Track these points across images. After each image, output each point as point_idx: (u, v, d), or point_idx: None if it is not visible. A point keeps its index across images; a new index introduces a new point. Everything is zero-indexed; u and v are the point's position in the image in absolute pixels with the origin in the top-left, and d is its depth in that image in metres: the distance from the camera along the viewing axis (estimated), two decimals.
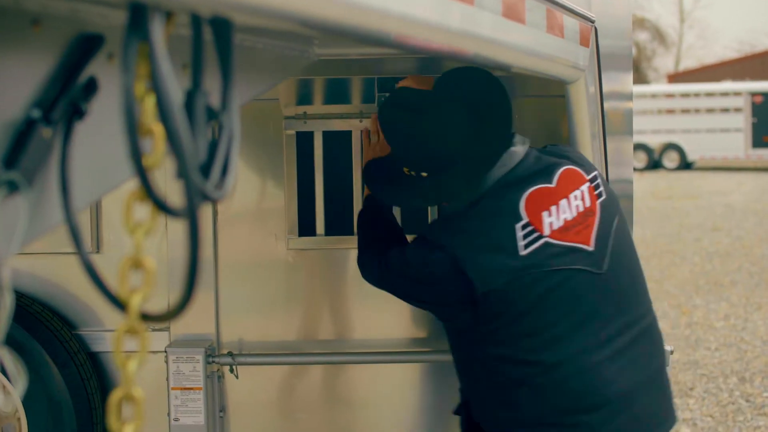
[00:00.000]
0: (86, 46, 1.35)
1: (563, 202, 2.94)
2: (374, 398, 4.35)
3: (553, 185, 2.97)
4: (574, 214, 2.95)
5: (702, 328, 10.67)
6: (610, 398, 2.89)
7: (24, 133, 1.23)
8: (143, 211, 1.25)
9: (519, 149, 3.04)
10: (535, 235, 2.88)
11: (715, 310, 11.58)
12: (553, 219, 2.91)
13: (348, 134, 4.22)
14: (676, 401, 8.01)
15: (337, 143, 4.25)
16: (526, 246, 2.87)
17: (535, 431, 2.95)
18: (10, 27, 1.19)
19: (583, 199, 2.98)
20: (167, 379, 4.02)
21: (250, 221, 4.24)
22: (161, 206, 1.24)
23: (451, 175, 2.97)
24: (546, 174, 3.00)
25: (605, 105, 3.47)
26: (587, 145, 3.32)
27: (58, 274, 4.27)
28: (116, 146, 1.48)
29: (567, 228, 2.92)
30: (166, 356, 4.03)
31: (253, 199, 4.25)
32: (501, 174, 2.99)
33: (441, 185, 3.02)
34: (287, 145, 4.22)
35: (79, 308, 4.29)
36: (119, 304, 1.28)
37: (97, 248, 4.19)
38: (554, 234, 2.90)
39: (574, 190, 2.98)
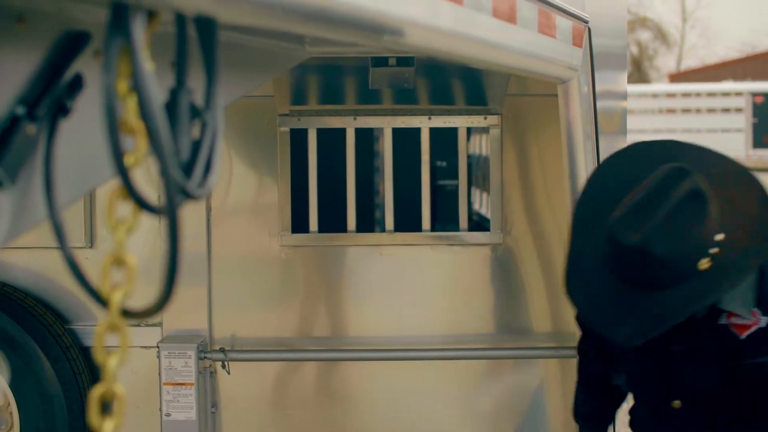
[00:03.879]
0: (72, 43, 1.35)
1: None
2: (365, 395, 4.36)
3: None
4: None
5: None
6: None
7: (8, 129, 1.24)
8: (127, 208, 1.25)
9: None
10: None
11: None
12: None
13: (342, 132, 4.23)
14: None
15: (332, 140, 4.26)
16: None
17: None
18: None
19: None
20: (159, 375, 4.02)
21: (243, 218, 4.25)
22: (142, 204, 1.24)
23: None
24: None
25: (598, 104, 3.47)
26: (579, 145, 3.32)
27: (52, 269, 4.27)
28: (101, 144, 1.48)
29: None
30: (158, 351, 4.04)
31: (247, 195, 4.26)
32: None
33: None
34: (281, 142, 4.22)
35: (72, 303, 4.29)
36: (101, 300, 1.28)
37: (90, 243, 4.20)
38: None
39: None
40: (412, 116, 4.24)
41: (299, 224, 4.27)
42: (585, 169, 3.37)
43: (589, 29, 3.25)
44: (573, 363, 4.35)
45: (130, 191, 1.22)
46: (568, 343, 4.31)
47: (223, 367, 4.16)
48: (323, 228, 4.27)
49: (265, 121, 4.23)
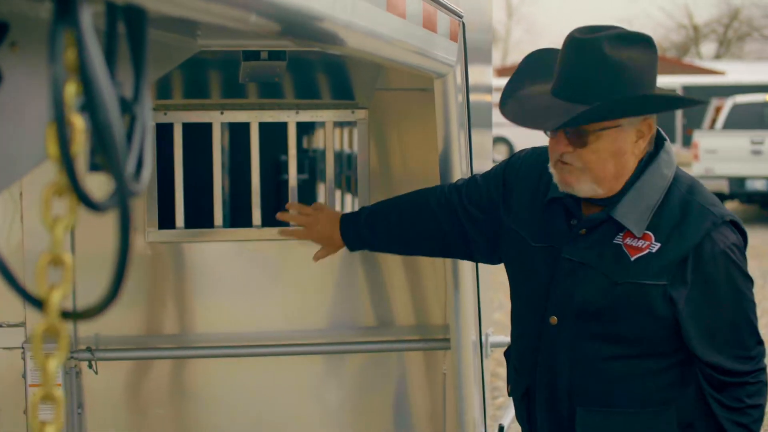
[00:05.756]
0: None
1: None
2: (233, 393, 4.32)
3: None
4: None
5: None
6: None
7: None
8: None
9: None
10: None
11: None
12: None
13: (208, 126, 4.17)
14: None
15: (198, 135, 4.19)
16: None
17: None
18: None
19: None
20: (24, 377, 3.91)
21: (108, 213, 4.15)
22: (85, 200, 1.21)
23: None
24: None
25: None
26: (454, 139, 3.36)
27: None
28: (19, 138, 1.44)
29: None
30: (23, 353, 3.92)
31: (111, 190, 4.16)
32: None
33: None
34: None
35: None
36: (35, 301, 1.24)
37: None
38: None
39: None
40: (279, 110, 4.21)
41: (166, 220, 4.20)
42: (458, 161, 3.41)
43: (464, 24, 3.29)
44: (437, 355, 4.41)
45: (75, 187, 1.18)
46: (432, 335, 4.36)
47: (90, 366, 4.07)
48: (190, 224, 4.21)
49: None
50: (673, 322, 2.84)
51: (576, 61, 2.79)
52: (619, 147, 2.80)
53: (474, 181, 3.32)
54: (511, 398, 3.38)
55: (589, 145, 2.80)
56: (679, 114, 33.16)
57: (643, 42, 2.79)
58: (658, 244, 2.82)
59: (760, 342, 2.91)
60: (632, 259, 2.83)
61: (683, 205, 2.86)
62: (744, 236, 2.91)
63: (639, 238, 2.84)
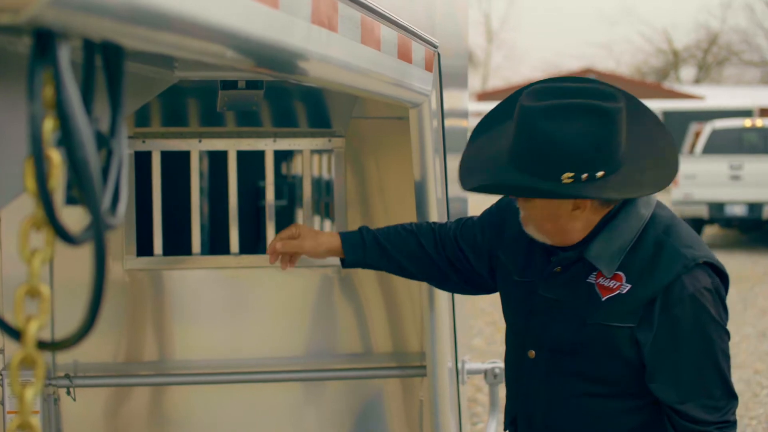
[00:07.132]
0: None
1: None
2: (212, 420, 4.33)
3: None
4: None
5: None
6: None
7: None
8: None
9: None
10: None
11: None
12: None
13: (186, 154, 4.19)
14: None
15: (176, 163, 4.21)
16: None
17: None
18: None
19: None
20: (2, 403, 3.91)
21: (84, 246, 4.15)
22: (62, 234, 1.23)
23: None
24: None
25: (445, 123, 3.55)
26: (430, 168, 3.39)
27: None
28: None
29: None
30: (1, 379, 3.92)
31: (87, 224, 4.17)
32: None
33: None
34: None
35: None
36: (13, 332, 1.27)
37: None
38: None
39: None
40: (257, 138, 4.24)
41: (144, 247, 4.21)
42: (434, 187, 3.44)
43: (439, 54, 3.33)
44: (414, 382, 4.42)
45: (52, 221, 1.21)
46: (408, 363, 4.38)
47: (68, 393, 4.07)
48: (168, 251, 4.22)
49: None
50: (640, 365, 2.81)
51: (514, 128, 2.74)
52: (550, 213, 2.78)
53: (470, 218, 3.35)
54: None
55: (526, 202, 2.82)
56: None
57: (596, 113, 2.64)
58: (629, 285, 2.79)
59: (731, 394, 2.82)
60: (603, 299, 2.81)
61: (657, 246, 2.81)
62: (723, 279, 2.84)
63: (610, 279, 2.81)
